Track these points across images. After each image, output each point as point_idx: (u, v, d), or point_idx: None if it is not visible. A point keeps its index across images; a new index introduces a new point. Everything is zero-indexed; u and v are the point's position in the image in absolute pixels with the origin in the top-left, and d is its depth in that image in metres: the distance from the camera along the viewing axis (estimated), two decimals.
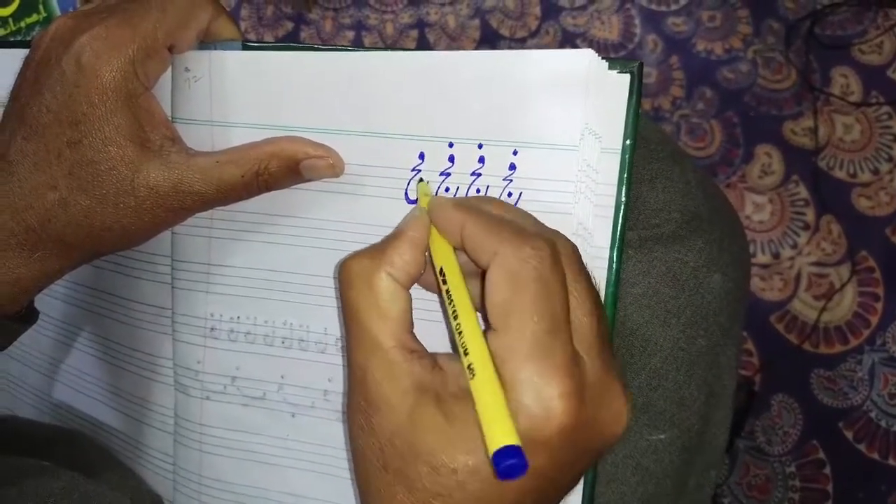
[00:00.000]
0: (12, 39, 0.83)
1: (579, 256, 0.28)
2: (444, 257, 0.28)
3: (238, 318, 0.37)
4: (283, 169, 0.32)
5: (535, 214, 0.31)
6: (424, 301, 0.32)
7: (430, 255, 0.29)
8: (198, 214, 0.34)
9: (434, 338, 0.29)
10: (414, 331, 0.28)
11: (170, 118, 0.35)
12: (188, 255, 0.37)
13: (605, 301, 0.32)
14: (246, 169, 0.32)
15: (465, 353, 0.25)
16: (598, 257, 0.32)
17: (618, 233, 0.32)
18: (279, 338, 0.36)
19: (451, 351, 0.29)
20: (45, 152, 0.31)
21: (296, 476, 0.37)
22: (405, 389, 0.26)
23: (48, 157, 0.31)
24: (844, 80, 1.12)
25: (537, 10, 1.23)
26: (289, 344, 0.36)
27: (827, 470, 1.02)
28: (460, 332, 0.26)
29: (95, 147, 0.30)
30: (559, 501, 0.28)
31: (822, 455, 1.02)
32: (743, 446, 1.04)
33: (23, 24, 0.84)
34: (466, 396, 0.25)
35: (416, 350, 0.27)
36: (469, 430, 0.25)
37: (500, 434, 0.23)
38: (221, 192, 0.32)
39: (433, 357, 0.27)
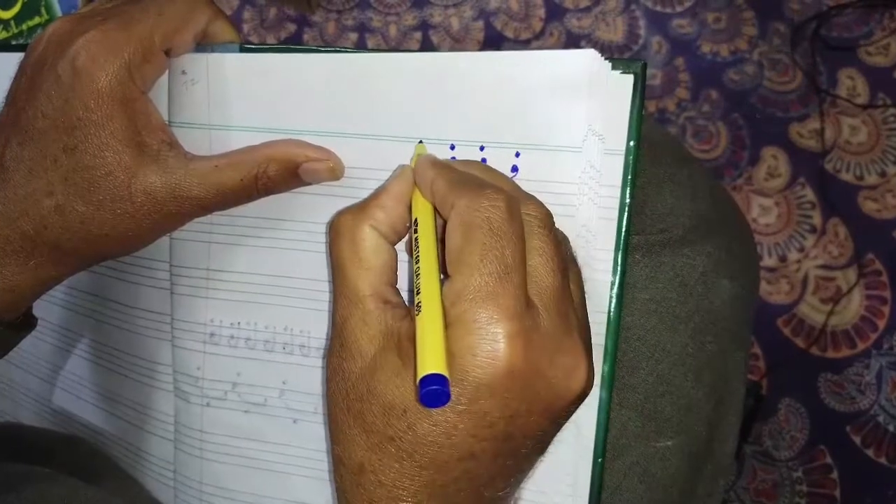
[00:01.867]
0: (14, 43, 0.83)
1: (551, 222, 0.28)
2: (421, 211, 0.29)
3: (238, 323, 0.36)
4: (282, 172, 0.32)
5: None
6: None
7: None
8: (197, 219, 0.34)
9: None
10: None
11: (167, 122, 0.34)
12: (187, 261, 0.36)
13: (609, 304, 0.32)
14: (245, 173, 0.31)
15: (417, 293, 0.26)
16: (602, 260, 0.32)
17: (622, 235, 0.31)
18: (280, 343, 0.36)
19: None
20: (41, 158, 0.30)
21: (298, 483, 0.37)
22: (373, 335, 0.27)
23: (44, 163, 0.30)
24: (851, 82, 1.11)
25: (541, 12, 1.22)
26: (290, 350, 0.36)
27: (834, 475, 1.01)
28: (418, 276, 0.27)
29: (91, 152, 0.30)
30: (520, 466, 0.28)
31: (829, 460, 1.02)
32: (750, 451, 1.03)
33: (24, 27, 0.83)
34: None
35: (392, 301, 0.28)
36: None
37: (429, 363, 0.23)
38: (220, 197, 0.32)
39: (408, 308, 0.28)
